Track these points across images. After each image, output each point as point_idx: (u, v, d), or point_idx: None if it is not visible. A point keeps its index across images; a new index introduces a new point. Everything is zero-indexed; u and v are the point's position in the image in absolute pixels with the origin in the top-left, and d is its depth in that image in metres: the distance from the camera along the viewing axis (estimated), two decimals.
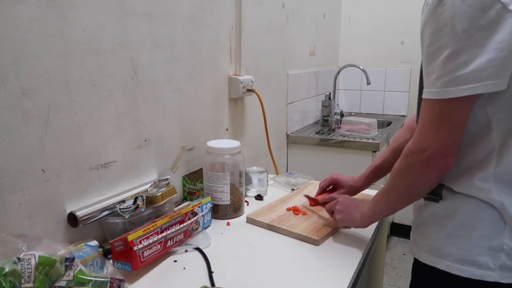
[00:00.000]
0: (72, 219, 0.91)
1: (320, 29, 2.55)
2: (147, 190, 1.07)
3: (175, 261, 0.92)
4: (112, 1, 0.97)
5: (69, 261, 0.67)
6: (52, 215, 0.88)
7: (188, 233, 0.98)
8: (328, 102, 2.44)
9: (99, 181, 0.99)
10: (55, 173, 0.88)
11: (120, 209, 0.95)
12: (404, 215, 2.82)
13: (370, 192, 1.26)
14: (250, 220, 1.14)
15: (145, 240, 0.85)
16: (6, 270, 0.60)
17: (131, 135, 1.08)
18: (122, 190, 1.05)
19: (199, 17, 1.30)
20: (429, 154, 0.76)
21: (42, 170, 0.85)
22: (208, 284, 0.83)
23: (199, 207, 1.04)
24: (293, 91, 2.17)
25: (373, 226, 1.06)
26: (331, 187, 1.23)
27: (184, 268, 0.89)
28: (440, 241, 0.82)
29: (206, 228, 1.08)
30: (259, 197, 1.33)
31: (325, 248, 0.99)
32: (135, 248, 0.81)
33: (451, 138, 0.75)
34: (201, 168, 1.24)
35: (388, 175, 0.96)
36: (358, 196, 1.22)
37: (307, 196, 1.24)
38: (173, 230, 0.92)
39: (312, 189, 1.36)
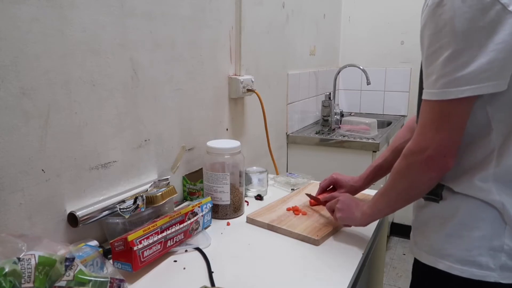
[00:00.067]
0: (72, 219, 0.91)
1: (320, 29, 2.55)
2: (147, 190, 1.07)
3: (175, 261, 0.92)
4: (112, 1, 0.97)
5: (69, 261, 0.67)
6: (52, 215, 0.88)
7: (188, 233, 0.98)
8: (328, 102, 2.44)
9: (99, 181, 0.99)
10: (55, 173, 0.88)
11: (120, 209, 0.95)
12: (404, 215, 2.82)
13: (370, 192, 1.26)
14: (250, 220, 1.14)
15: (145, 240, 0.85)
16: (6, 270, 0.60)
17: (131, 135, 1.08)
18: (122, 190, 1.05)
19: (199, 17, 1.30)
20: (429, 154, 0.76)
21: (42, 170, 0.85)
22: (208, 284, 0.83)
23: (199, 207, 1.04)
24: (293, 91, 2.17)
25: (373, 226, 1.06)
26: (331, 187, 1.24)
27: (184, 268, 0.89)
28: (440, 241, 0.82)
29: (206, 228, 1.08)
30: (259, 197, 1.33)
31: (325, 248, 0.99)
32: (135, 248, 0.81)
33: (451, 138, 0.75)
34: (201, 168, 1.24)
35: (388, 175, 0.96)
36: (358, 196, 1.22)
37: (309, 195, 1.24)
38: (173, 230, 0.92)
39: (312, 189, 1.36)
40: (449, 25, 0.70)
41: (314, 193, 1.25)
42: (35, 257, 0.64)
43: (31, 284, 0.62)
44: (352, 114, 2.96)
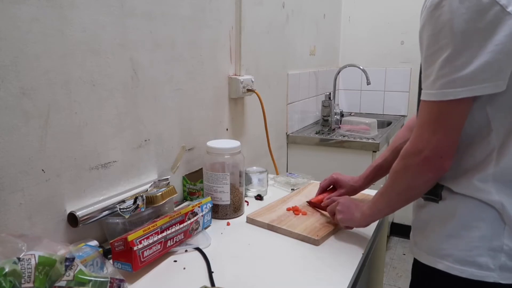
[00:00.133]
0: (72, 219, 0.91)
1: (320, 29, 2.55)
2: (147, 190, 1.07)
3: (175, 261, 0.92)
4: (112, 1, 0.97)
5: (69, 261, 0.67)
6: (52, 215, 0.88)
7: (188, 233, 0.98)
8: (328, 102, 2.44)
9: (99, 181, 0.99)
10: (55, 173, 0.88)
11: (120, 209, 0.95)
12: (404, 215, 2.82)
13: (370, 192, 1.26)
14: (250, 220, 1.14)
15: (145, 240, 0.85)
16: (6, 270, 0.60)
17: (131, 135, 1.08)
18: (122, 190, 1.05)
19: (199, 17, 1.30)
20: (426, 155, 0.76)
21: (42, 170, 0.85)
22: (208, 284, 0.83)
23: (199, 207, 1.04)
24: (293, 91, 2.17)
25: (373, 226, 1.06)
26: (331, 187, 1.24)
27: (184, 268, 0.89)
28: (439, 242, 0.82)
29: (206, 228, 1.08)
30: (259, 197, 1.33)
31: (325, 248, 0.99)
32: (135, 248, 0.81)
33: (448, 139, 0.75)
34: (201, 168, 1.24)
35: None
36: (358, 196, 1.22)
37: (309, 202, 1.23)
38: (173, 230, 0.92)
39: (312, 189, 1.36)
40: (448, 27, 0.70)
41: (313, 194, 1.25)
42: (35, 257, 0.64)
43: (31, 284, 0.62)
44: (352, 114, 2.96)
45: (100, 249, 0.82)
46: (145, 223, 0.93)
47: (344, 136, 2.18)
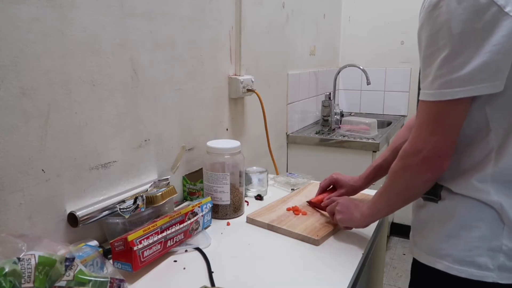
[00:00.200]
0: (72, 219, 0.91)
1: (320, 29, 2.55)
2: (147, 190, 1.07)
3: (175, 261, 0.92)
4: (112, 1, 0.97)
5: (69, 261, 0.67)
6: (52, 215, 0.88)
7: (188, 233, 0.98)
8: (328, 102, 2.44)
9: (99, 181, 0.99)
10: (55, 173, 0.88)
11: (120, 209, 0.95)
12: (404, 215, 2.82)
13: (370, 192, 1.26)
14: (250, 220, 1.14)
15: (145, 240, 0.85)
16: (6, 270, 0.60)
17: (131, 135, 1.08)
18: (122, 190, 1.05)
19: (199, 17, 1.30)
20: (424, 155, 0.76)
21: (42, 170, 0.85)
22: (208, 284, 0.83)
23: (199, 207, 1.04)
24: (293, 91, 2.17)
25: (373, 226, 1.06)
26: (331, 187, 1.24)
27: (184, 268, 0.89)
28: (439, 242, 0.82)
29: (206, 228, 1.08)
30: (259, 197, 1.33)
31: (325, 248, 0.99)
32: (135, 248, 0.81)
33: (446, 139, 0.75)
34: (201, 168, 1.24)
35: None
36: (358, 196, 1.23)
37: (309, 202, 1.23)
38: (173, 230, 0.92)
39: (312, 189, 1.36)
40: (446, 27, 0.70)
41: (313, 194, 1.25)
42: (35, 257, 0.64)
43: (31, 284, 0.62)
44: (352, 114, 2.96)
45: (100, 249, 0.82)
46: (145, 223, 0.93)
47: (344, 136, 2.18)
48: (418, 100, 0.81)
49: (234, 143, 1.19)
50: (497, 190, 0.76)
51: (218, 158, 1.17)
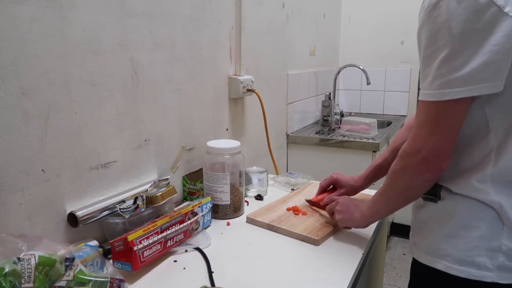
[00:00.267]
0: (72, 219, 0.91)
1: (320, 29, 2.55)
2: (147, 190, 1.07)
3: (175, 261, 0.92)
4: (112, 1, 0.97)
5: (69, 261, 0.67)
6: (52, 215, 0.88)
7: (188, 233, 0.98)
8: (328, 102, 2.44)
9: (99, 181, 0.99)
10: (55, 173, 0.88)
11: (120, 209, 0.95)
12: (404, 215, 2.82)
13: (370, 192, 1.26)
14: (250, 220, 1.14)
15: (145, 240, 0.85)
16: (6, 270, 0.60)
17: (131, 135, 1.08)
18: (122, 190, 1.05)
19: (199, 17, 1.30)
20: (423, 156, 0.76)
21: (42, 170, 0.85)
22: (208, 284, 0.83)
23: (199, 207, 1.04)
24: (293, 91, 2.17)
25: (373, 226, 1.06)
26: (331, 186, 1.24)
27: (184, 268, 0.89)
28: (439, 242, 0.82)
29: (206, 228, 1.08)
30: (259, 197, 1.33)
31: (325, 248, 0.99)
32: (135, 248, 0.81)
33: (446, 140, 0.75)
34: (201, 168, 1.24)
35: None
36: (358, 196, 1.23)
37: (308, 201, 1.23)
38: (173, 230, 0.92)
39: (312, 189, 1.36)
40: (445, 27, 0.70)
41: (313, 194, 1.25)
42: (35, 257, 0.64)
43: (31, 284, 0.62)
44: (352, 114, 2.96)
45: (100, 249, 0.82)
46: (145, 223, 0.93)
47: (344, 136, 2.18)
48: (418, 100, 0.81)
49: (234, 143, 1.19)
50: (497, 190, 0.76)
51: (218, 158, 1.17)
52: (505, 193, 0.76)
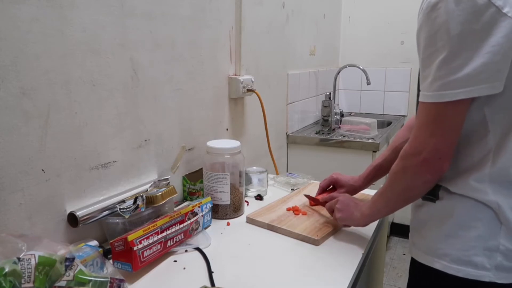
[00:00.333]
0: (72, 219, 0.91)
1: (320, 29, 2.55)
2: (147, 190, 1.07)
3: (175, 261, 0.92)
4: (112, 1, 0.97)
5: (69, 261, 0.67)
6: (52, 215, 0.88)
7: (188, 233, 0.98)
8: (328, 102, 2.44)
9: (99, 181, 0.99)
10: (55, 173, 0.88)
11: (120, 209, 0.95)
12: (404, 215, 2.82)
13: (370, 192, 1.26)
14: (250, 220, 1.14)
15: (145, 240, 0.85)
16: (6, 270, 0.60)
17: (131, 135, 1.08)
18: (122, 190, 1.05)
19: (199, 17, 1.30)
20: (424, 157, 0.76)
21: (42, 170, 0.85)
22: (208, 284, 0.83)
23: (199, 207, 1.04)
24: (293, 91, 2.17)
25: (373, 226, 1.06)
26: (331, 186, 1.24)
27: (184, 268, 0.89)
28: (437, 241, 0.82)
29: (206, 228, 1.08)
30: (259, 197, 1.33)
31: (325, 248, 0.99)
32: (135, 248, 0.81)
33: (446, 141, 0.75)
34: (201, 168, 1.24)
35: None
36: (358, 195, 1.22)
37: (308, 196, 1.24)
38: (173, 230, 0.92)
39: (312, 189, 1.36)
40: (444, 28, 0.70)
41: (313, 194, 1.25)
42: (35, 257, 0.64)
43: (31, 284, 0.62)
44: (352, 114, 2.96)
45: (100, 249, 0.82)
46: (145, 223, 0.93)
47: (344, 136, 2.18)
48: (417, 101, 0.81)
49: (234, 143, 1.19)
50: (495, 190, 0.76)
51: (218, 158, 1.17)
52: (503, 193, 0.76)
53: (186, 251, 0.97)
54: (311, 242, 1.00)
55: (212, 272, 0.87)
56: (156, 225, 0.89)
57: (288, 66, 2.09)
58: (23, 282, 0.62)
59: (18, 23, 0.77)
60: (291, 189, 1.41)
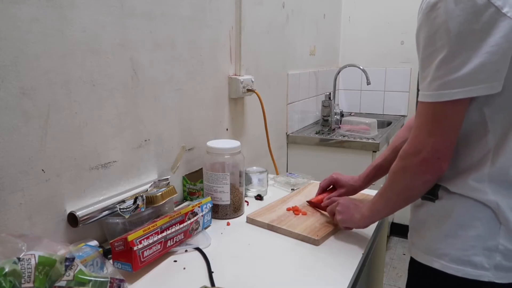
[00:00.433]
0: (72, 219, 0.91)
1: (320, 29, 2.55)
2: (147, 190, 1.07)
3: (175, 261, 0.92)
4: (112, 1, 0.97)
5: (69, 261, 0.67)
6: (52, 215, 0.88)
7: (188, 233, 0.98)
8: (328, 102, 2.44)
9: (99, 181, 0.99)
10: (55, 173, 0.88)
11: (120, 209, 0.95)
12: (404, 215, 2.82)
13: (370, 192, 1.26)
14: (250, 220, 1.14)
15: (145, 240, 0.85)
16: (6, 270, 0.60)
17: (131, 135, 1.08)
18: (122, 190, 1.05)
19: (199, 17, 1.30)
20: (423, 156, 0.76)
21: (42, 170, 0.85)
22: (208, 284, 0.83)
23: (199, 207, 1.04)
24: (293, 91, 2.17)
25: (373, 226, 1.06)
26: (331, 186, 1.24)
27: (184, 268, 0.89)
28: (436, 241, 0.82)
29: (206, 228, 1.08)
30: (259, 197, 1.33)
31: (325, 248, 0.99)
32: (135, 248, 0.82)
33: (445, 140, 0.75)
34: (201, 168, 1.24)
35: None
36: (358, 195, 1.23)
37: (309, 202, 1.23)
38: (173, 230, 0.92)
39: (312, 189, 1.36)
40: (443, 28, 0.70)
41: (313, 194, 1.25)
42: (35, 257, 0.64)
43: (31, 284, 0.62)
44: (352, 114, 2.96)
45: (100, 249, 0.82)
46: (145, 223, 0.93)
47: (344, 136, 2.18)
48: (417, 101, 0.81)
49: (234, 143, 1.19)
50: (494, 190, 0.76)
51: (218, 158, 1.17)
52: (502, 193, 0.76)
53: (186, 251, 0.97)
54: (311, 242, 1.00)
55: (212, 272, 0.87)
56: (156, 225, 0.89)
57: (288, 66, 2.09)
58: (23, 282, 0.62)
59: (18, 23, 0.77)
60: (291, 189, 1.41)
